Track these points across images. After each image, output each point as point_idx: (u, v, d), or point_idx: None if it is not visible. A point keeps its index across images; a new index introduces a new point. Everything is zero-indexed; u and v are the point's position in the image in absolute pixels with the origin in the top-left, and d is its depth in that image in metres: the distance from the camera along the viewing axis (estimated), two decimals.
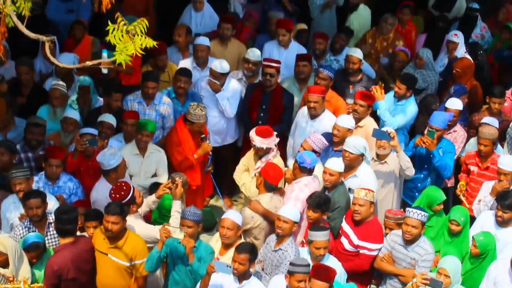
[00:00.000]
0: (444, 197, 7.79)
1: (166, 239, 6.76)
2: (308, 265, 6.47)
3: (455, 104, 8.96)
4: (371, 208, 7.37)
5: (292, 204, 7.46)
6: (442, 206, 7.72)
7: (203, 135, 8.56)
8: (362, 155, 7.87)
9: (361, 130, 8.61)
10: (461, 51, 10.42)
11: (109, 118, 8.62)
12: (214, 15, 10.92)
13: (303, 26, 11.06)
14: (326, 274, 6.34)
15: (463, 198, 8.53)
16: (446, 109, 8.93)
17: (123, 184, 7.22)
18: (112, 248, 6.92)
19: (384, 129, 8.16)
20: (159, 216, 7.77)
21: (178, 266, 6.92)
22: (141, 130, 8.41)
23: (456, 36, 10.51)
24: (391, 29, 10.86)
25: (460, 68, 9.87)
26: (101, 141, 8.19)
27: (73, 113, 8.64)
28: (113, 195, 7.13)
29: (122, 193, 7.12)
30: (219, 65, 9.17)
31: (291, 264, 6.49)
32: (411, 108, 9.09)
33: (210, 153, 8.69)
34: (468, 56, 10.28)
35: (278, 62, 9.34)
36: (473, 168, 8.58)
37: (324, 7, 11.69)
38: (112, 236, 6.88)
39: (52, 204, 7.48)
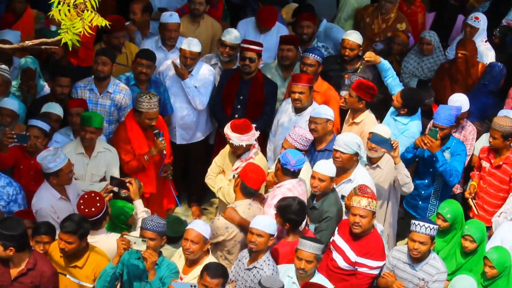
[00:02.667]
0: (449, 214, 7.42)
1: (124, 252, 6.48)
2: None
3: (457, 100, 8.57)
4: (373, 219, 7.07)
5: (273, 212, 7.11)
6: (444, 224, 7.37)
7: (156, 130, 8.21)
8: (356, 154, 7.57)
9: (356, 127, 8.33)
10: (480, 39, 9.94)
11: (55, 109, 8.19)
12: None
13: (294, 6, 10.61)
14: None
15: (472, 203, 8.25)
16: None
17: (96, 197, 6.89)
18: (71, 267, 6.66)
19: (386, 135, 7.75)
20: (110, 226, 7.33)
21: (134, 285, 6.63)
22: (84, 125, 7.92)
23: (477, 20, 9.98)
24: (391, 8, 10.38)
25: (469, 50, 9.40)
26: (33, 140, 7.70)
27: (10, 103, 8.15)
28: (82, 208, 6.82)
29: (93, 209, 6.81)
30: (191, 43, 8.80)
31: (260, 285, 6.21)
32: (413, 129, 8.57)
33: (164, 152, 8.30)
34: (487, 46, 9.89)
35: (259, 44, 8.94)
36: (484, 164, 8.33)
37: None
38: (67, 256, 6.61)
39: None
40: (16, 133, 7.62)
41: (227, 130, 7.67)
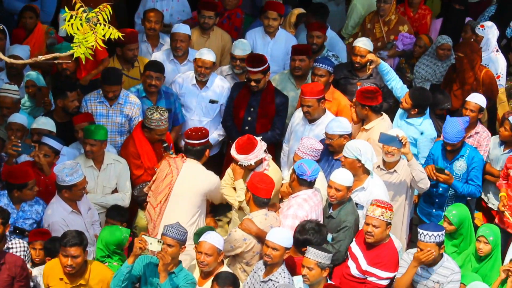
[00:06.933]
0: (459, 221, 7.53)
1: (140, 255, 6.54)
2: None
3: (475, 98, 8.61)
4: (387, 229, 7.11)
5: (289, 223, 7.24)
6: (450, 227, 7.47)
7: (165, 144, 8.31)
8: (358, 160, 7.59)
9: (364, 134, 8.39)
10: (491, 48, 9.82)
11: (44, 124, 8.27)
12: None
13: (301, 10, 10.66)
14: None
15: (508, 214, 8.12)
16: (465, 104, 8.60)
17: (202, 129, 7.71)
18: (76, 287, 6.66)
19: (393, 132, 7.82)
20: (106, 250, 7.31)
21: None
22: (86, 138, 8.04)
23: (482, 28, 9.89)
24: (388, 8, 10.40)
25: (466, 52, 9.28)
26: (36, 151, 7.79)
27: (18, 117, 8.30)
28: (189, 132, 7.63)
29: (199, 133, 7.54)
30: (204, 53, 8.92)
31: None
32: (429, 130, 8.63)
33: None
34: (498, 55, 9.81)
35: (263, 61, 8.81)
36: None
37: None
38: (73, 273, 6.58)
39: None
40: (21, 142, 7.76)
41: (233, 152, 7.65)
